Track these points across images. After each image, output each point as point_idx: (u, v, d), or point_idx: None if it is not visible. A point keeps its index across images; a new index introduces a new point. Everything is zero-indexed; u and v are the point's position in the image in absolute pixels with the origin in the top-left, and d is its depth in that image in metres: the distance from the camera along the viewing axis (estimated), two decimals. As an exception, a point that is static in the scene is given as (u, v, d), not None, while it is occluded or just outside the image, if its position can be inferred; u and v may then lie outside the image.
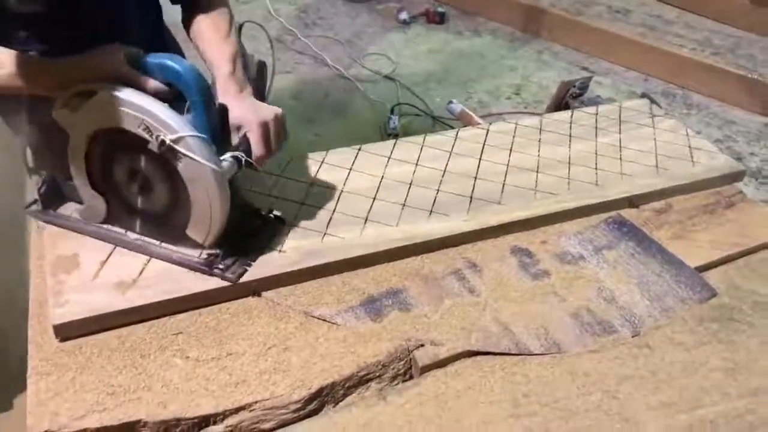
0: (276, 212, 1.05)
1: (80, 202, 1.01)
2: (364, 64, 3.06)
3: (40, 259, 0.99)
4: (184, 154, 0.87)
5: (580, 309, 0.99)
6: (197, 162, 0.87)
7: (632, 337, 0.96)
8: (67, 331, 0.88)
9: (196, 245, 0.97)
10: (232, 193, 0.93)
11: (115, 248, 0.99)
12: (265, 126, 0.98)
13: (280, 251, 1.00)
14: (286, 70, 2.96)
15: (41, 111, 0.95)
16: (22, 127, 1.07)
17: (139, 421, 0.80)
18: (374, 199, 1.14)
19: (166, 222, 0.97)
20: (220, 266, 0.95)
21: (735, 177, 1.29)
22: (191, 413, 0.81)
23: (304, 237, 1.04)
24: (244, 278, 0.96)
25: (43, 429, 0.77)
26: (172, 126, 0.86)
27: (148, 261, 0.97)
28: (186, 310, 0.93)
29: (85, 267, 0.95)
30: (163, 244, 0.98)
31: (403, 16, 3.46)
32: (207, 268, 0.95)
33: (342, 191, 1.15)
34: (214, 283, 0.94)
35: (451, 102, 2.31)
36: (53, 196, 1.03)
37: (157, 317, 0.92)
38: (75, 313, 0.88)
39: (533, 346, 0.93)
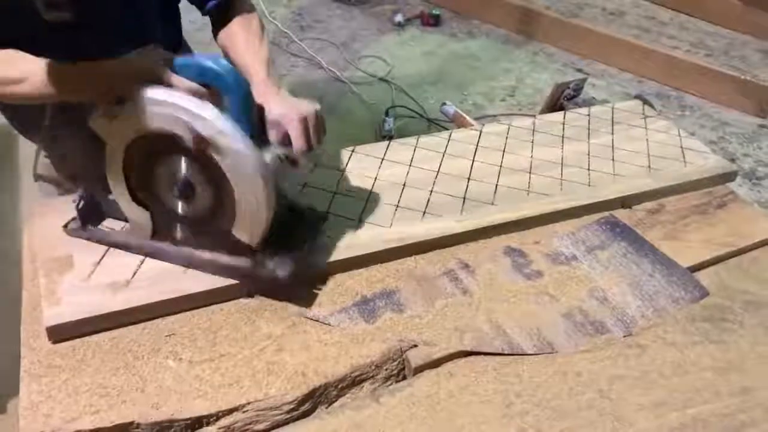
0: (314, 209, 1.03)
1: (119, 218, 1.00)
2: (359, 66, 3.06)
3: (33, 261, 0.99)
4: (230, 151, 0.86)
5: (572, 309, 0.99)
6: (243, 158, 0.86)
7: (624, 337, 0.96)
8: (60, 333, 0.88)
9: (241, 249, 0.95)
10: (277, 191, 0.92)
11: (108, 249, 0.99)
12: (304, 121, 0.97)
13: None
14: (281, 73, 2.96)
15: (77, 126, 0.93)
16: (47, 141, 1.05)
17: (132, 423, 0.80)
18: (367, 200, 1.14)
19: (210, 226, 0.95)
20: (268, 266, 0.93)
21: (727, 177, 1.30)
22: (184, 414, 0.81)
23: (298, 238, 1.04)
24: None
25: (35, 431, 0.77)
26: (216, 125, 0.85)
27: (142, 262, 0.97)
28: (179, 312, 0.93)
29: (78, 268, 0.95)
30: (207, 253, 0.96)
31: (398, 18, 3.47)
32: (254, 269, 0.94)
33: (335, 192, 1.15)
34: (207, 284, 0.94)
35: (444, 104, 2.32)
36: (91, 213, 1.01)
37: (151, 319, 0.92)
38: (68, 315, 0.88)
39: (526, 346, 0.93)
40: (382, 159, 1.25)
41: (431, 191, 1.17)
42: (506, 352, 0.92)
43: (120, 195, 0.97)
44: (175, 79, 0.87)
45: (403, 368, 0.91)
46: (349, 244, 1.04)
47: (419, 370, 0.90)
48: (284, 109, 0.98)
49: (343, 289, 0.99)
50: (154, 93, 0.86)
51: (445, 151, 1.29)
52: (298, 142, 0.97)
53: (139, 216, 0.97)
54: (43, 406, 0.80)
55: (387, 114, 2.64)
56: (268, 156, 0.92)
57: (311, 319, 0.94)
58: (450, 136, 1.34)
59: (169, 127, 0.87)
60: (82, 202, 1.00)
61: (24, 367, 0.85)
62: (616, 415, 0.85)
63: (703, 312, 1.01)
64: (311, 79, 2.97)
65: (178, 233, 0.97)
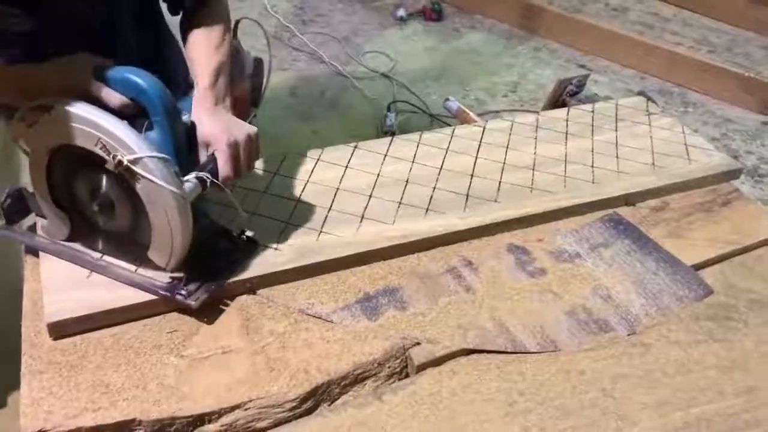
0: (248, 233, 1.00)
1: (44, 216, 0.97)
2: (361, 61, 3.05)
3: (33, 257, 0.98)
4: (143, 176, 0.83)
5: (576, 307, 0.99)
6: (156, 184, 0.84)
7: (628, 335, 0.96)
8: (61, 330, 0.87)
9: (158, 269, 0.93)
10: (199, 215, 0.90)
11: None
12: (234, 147, 0.93)
13: (275, 249, 1.00)
14: (282, 67, 2.95)
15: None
16: None
17: (133, 420, 0.79)
18: (370, 196, 1.13)
19: (129, 243, 0.93)
20: (183, 291, 0.91)
21: (731, 175, 1.29)
22: (186, 412, 0.81)
23: (300, 235, 1.04)
24: (240, 276, 0.95)
25: (36, 428, 0.77)
26: (129, 145, 0.82)
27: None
28: (181, 308, 0.93)
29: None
30: (126, 266, 0.94)
31: (400, 13, 3.46)
32: (169, 293, 0.90)
33: (338, 189, 1.14)
34: (209, 281, 0.94)
35: (447, 99, 2.31)
36: (19, 211, 0.98)
37: (152, 315, 0.92)
38: (69, 311, 0.87)
39: (529, 344, 0.93)
40: (385, 155, 1.24)
41: (434, 188, 1.17)
42: (509, 350, 0.92)
43: (41, 197, 0.94)
44: (104, 92, 0.85)
45: (406, 366, 0.91)
46: (352, 241, 1.03)
47: (422, 368, 0.89)
48: (215, 130, 0.93)
49: (346, 287, 0.99)
50: (73, 107, 0.83)
51: (448, 148, 1.28)
52: (224, 169, 0.93)
53: (58, 218, 0.95)
54: (44, 403, 0.79)
55: (389, 109, 2.64)
56: (189, 183, 0.89)
57: (313, 316, 0.94)
58: (453, 132, 1.33)
59: (86, 144, 0.84)
60: (8, 200, 0.96)
61: (25, 364, 0.84)
62: (619, 413, 0.84)
63: (707, 310, 1.01)
64: (313, 73, 2.96)
65: (99, 244, 0.96)
